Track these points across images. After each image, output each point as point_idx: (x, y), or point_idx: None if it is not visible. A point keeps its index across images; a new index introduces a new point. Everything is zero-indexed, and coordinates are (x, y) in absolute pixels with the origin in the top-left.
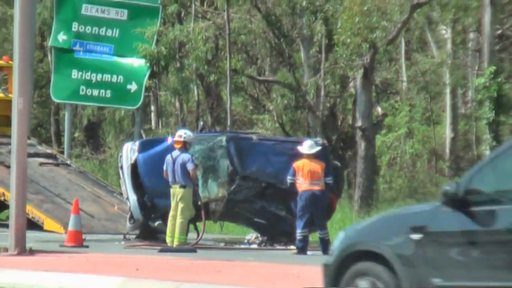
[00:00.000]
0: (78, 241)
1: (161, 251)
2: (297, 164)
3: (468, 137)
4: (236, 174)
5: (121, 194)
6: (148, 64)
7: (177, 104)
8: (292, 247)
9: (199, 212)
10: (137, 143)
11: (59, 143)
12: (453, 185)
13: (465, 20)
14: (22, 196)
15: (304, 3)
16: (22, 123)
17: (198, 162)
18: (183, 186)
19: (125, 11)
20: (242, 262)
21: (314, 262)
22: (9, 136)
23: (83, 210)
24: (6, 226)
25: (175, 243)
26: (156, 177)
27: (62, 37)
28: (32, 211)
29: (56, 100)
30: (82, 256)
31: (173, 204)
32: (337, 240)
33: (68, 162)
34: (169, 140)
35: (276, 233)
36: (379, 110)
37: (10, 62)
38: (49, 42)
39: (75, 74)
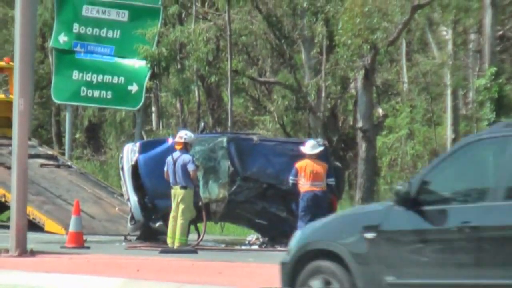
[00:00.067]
0: (79, 242)
1: (162, 252)
2: (299, 165)
3: None
4: (237, 175)
5: (122, 195)
6: (149, 65)
7: (178, 105)
8: None
9: (200, 213)
10: (137, 144)
11: (60, 144)
12: (405, 184)
13: (466, 21)
14: (23, 197)
15: (305, 4)
16: (23, 124)
17: (199, 163)
18: (184, 187)
19: (126, 12)
20: (243, 263)
21: None
22: (10, 137)
23: (84, 211)
24: (7, 227)
25: (176, 244)
26: (156, 178)
27: (63, 38)
28: (33, 212)
29: (57, 101)
30: (83, 257)
31: (174, 205)
32: (294, 238)
33: (69, 163)
34: (170, 141)
35: (277, 234)
36: (380, 111)
37: (11, 63)
38: (50, 43)
39: (76, 75)
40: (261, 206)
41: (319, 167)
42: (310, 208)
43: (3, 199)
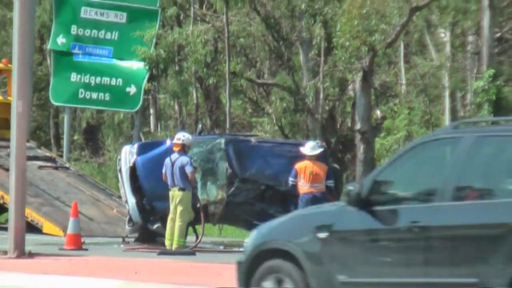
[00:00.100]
0: (77, 244)
1: (160, 254)
2: (299, 166)
3: None
4: (235, 177)
5: (120, 197)
6: (147, 67)
7: (176, 107)
8: None
9: (198, 215)
10: (135, 146)
11: (58, 146)
12: (356, 185)
13: (464, 23)
14: (21, 199)
15: (303, 6)
16: (21, 126)
17: (197, 164)
18: (182, 189)
19: (124, 14)
20: None
21: None
22: (8, 139)
23: (82, 213)
24: (5, 229)
25: (174, 246)
26: (155, 180)
27: (61, 40)
28: (31, 214)
29: (55, 103)
30: (81, 259)
31: (172, 207)
32: (250, 238)
33: (67, 165)
34: (168, 143)
35: None
36: (378, 113)
37: (9, 65)
38: (48, 45)
39: (74, 77)
40: (259, 207)
41: (319, 169)
42: None
43: (1, 201)
